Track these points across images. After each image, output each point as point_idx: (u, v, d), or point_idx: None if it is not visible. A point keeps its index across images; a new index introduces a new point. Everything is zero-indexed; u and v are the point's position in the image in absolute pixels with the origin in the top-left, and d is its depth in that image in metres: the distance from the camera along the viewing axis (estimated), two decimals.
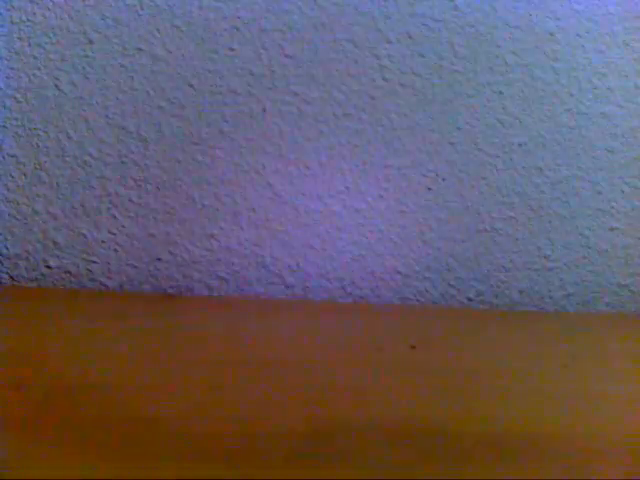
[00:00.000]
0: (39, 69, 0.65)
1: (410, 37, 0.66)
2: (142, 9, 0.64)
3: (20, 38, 0.64)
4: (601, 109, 0.67)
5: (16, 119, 0.65)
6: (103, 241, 0.65)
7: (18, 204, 0.65)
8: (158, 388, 0.39)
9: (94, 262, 0.65)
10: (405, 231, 0.67)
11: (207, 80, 0.65)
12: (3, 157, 0.65)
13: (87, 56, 0.65)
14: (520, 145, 0.67)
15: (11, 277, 0.65)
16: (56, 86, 0.65)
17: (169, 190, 0.65)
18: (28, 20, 0.64)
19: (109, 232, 0.65)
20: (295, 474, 0.29)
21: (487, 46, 0.66)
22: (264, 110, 0.65)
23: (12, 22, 0.64)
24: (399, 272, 0.67)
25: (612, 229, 0.68)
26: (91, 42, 0.65)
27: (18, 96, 0.65)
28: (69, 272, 0.65)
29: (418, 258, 0.67)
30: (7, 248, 0.65)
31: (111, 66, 0.65)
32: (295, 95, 0.65)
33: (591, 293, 0.68)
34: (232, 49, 0.65)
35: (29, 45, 0.64)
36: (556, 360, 0.50)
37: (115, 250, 0.65)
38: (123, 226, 0.65)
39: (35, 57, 0.64)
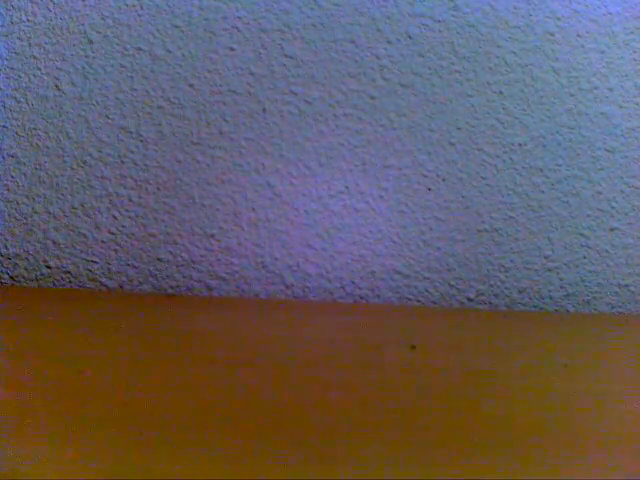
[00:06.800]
0: (39, 69, 0.65)
1: (410, 37, 0.66)
2: (142, 9, 0.64)
3: (20, 38, 0.64)
4: (601, 109, 0.67)
5: (16, 119, 0.65)
6: (103, 241, 0.65)
7: (18, 204, 0.65)
8: (157, 388, 0.39)
9: (94, 262, 0.65)
10: (405, 231, 0.67)
11: (207, 80, 0.65)
12: (3, 157, 0.65)
13: (87, 56, 0.65)
14: (520, 145, 0.67)
15: (11, 277, 0.65)
16: (56, 86, 0.65)
17: (169, 190, 0.65)
18: (28, 20, 0.64)
19: (109, 232, 0.65)
20: (294, 474, 0.29)
21: (487, 46, 0.66)
22: (264, 110, 0.65)
23: (12, 22, 0.64)
24: (399, 272, 0.67)
25: (612, 229, 0.68)
26: (91, 42, 0.65)
27: (18, 96, 0.65)
28: (69, 272, 0.65)
29: (418, 258, 0.67)
30: (7, 248, 0.65)
31: (111, 66, 0.65)
32: (295, 95, 0.65)
33: (591, 293, 0.68)
34: (232, 49, 0.65)
35: (29, 45, 0.64)
36: (556, 360, 0.50)
37: (115, 250, 0.65)
38: (123, 226, 0.65)
39: (35, 57, 0.64)
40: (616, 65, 0.67)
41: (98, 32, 0.65)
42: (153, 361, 0.44)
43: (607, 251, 0.68)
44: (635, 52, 0.67)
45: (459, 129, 0.67)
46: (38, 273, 0.65)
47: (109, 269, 0.66)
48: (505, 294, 0.68)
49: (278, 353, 0.48)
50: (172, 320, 0.55)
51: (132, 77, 0.65)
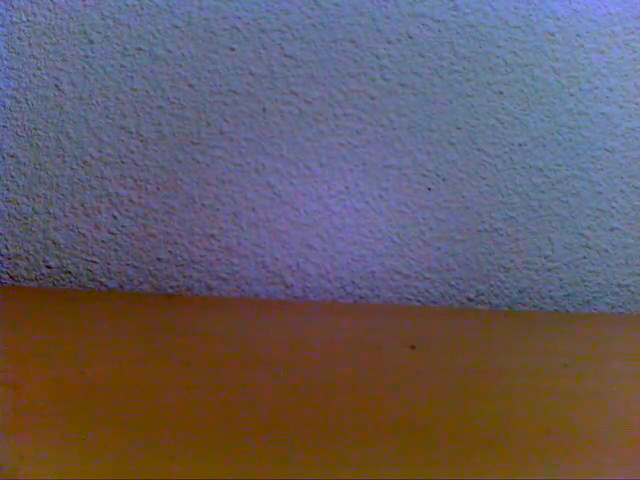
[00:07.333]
0: (39, 69, 0.65)
1: (410, 37, 0.66)
2: (142, 9, 0.64)
3: (20, 38, 0.64)
4: (601, 109, 0.67)
5: (16, 119, 0.65)
6: (103, 241, 0.65)
7: (18, 204, 0.65)
8: (158, 388, 0.39)
9: (94, 262, 0.65)
10: (405, 231, 0.67)
11: (207, 80, 0.65)
12: (3, 157, 0.65)
13: (87, 56, 0.65)
14: (520, 145, 0.67)
15: (11, 277, 0.65)
16: (56, 86, 0.65)
17: (169, 190, 0.65)
18: (28, 20, 0.64)
19: (109, 232, 0.65)
20: (294, 473, 0.29)
21: (487, 46, 0.66)
22: (264, 110, 0.65)
23: (12, 22, 0.64)
24: (399, 272, 0.67)
25: (612, 229, 0.68)
26: (91, 42, 0.65)
27: (18, 96, 0.65)
28: (69, 272, 0.65)
29: (418, 258, 0.67)
30: (7, 248, 0.65)
31: (111, 66, 0.65)
32: (295, 95, 0.65)
33: (591, 293, 0.68)
34: (232, 49, 0.65)
35: (29, 45, 0.64)
36: (556, 360, 0.50)
37: (115, 250, 0.65)
38: (123, 226, 0.65)
39: (35, 57, 0.64)
40: (616, 65, 0.67)
41: (98, 32, 0.65)
42: (153, 361, 0.44)
43: (607, 251, 0.68)
44: (635, 52, 0.67)
45: (459, 129, 0.67)
46: (38, 273, 0.65)
47: (109, 269, 0.66)
48: (505, 294, 0.68)
49: (278, 353, 0.48)
50: (172, 320, 0.55)
51: (132, 77, 0.65)
